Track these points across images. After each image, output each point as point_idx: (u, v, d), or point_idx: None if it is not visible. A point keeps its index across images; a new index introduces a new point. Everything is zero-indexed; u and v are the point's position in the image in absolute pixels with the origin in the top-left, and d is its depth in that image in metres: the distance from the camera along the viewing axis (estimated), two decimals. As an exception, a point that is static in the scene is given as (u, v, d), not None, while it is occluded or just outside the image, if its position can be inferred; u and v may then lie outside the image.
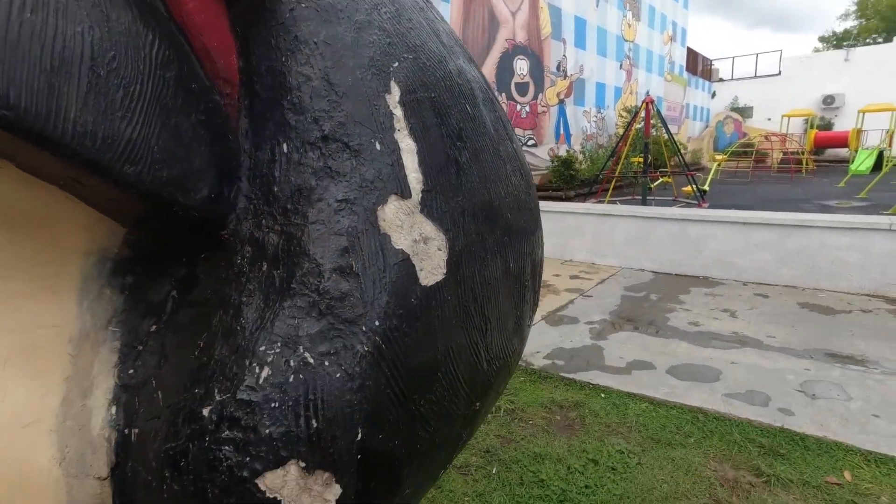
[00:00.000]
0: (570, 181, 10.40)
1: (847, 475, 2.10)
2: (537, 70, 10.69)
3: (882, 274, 4.28)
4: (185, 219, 0.43)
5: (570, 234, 5.88)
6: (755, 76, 26.61)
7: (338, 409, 0.39)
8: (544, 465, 2.20)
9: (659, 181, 12.32)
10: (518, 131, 10.29)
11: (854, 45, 29.44)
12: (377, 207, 0.44)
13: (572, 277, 5.19)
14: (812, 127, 23.18)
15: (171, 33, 0.42)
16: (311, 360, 0.39)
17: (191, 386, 0.40)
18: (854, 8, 37.61)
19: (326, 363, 0.39)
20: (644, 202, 7.31)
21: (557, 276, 5.26)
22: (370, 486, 0.42)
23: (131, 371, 0.44)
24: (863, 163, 16.72)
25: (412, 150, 0.48)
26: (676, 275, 5.21)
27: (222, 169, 0.44)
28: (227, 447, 0.37)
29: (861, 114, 20.18)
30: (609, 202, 7.39)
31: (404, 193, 0.46)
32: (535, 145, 10.89)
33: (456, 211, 0.50)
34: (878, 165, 15.65)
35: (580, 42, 12.39)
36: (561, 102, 11.79)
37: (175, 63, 0.42)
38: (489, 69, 9.21)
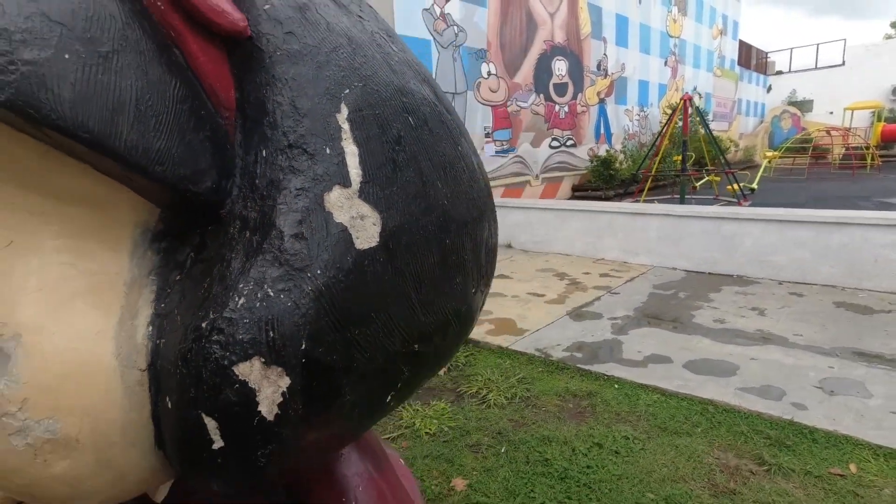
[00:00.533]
0: (609, 181, 10.34)
1: (853, 467, 2.13)
2: (576, 70, 10.67)
3: (928, 273, 4.11)
4: (196, 202, 0.63)
5: (603, 232, 5.91)
6: (816, 67, 25.18)
7: (287, 326, 0.58)
8: (551, 446, 2.34)
9: (704, 180, 12.01)
10: (556, 132, 10.28)
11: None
12: (324, 193, 0.63)
13: (602, 276, 5.23)
14: (879, 119, 21.73)
15: (188, 79, 0.63)
16: (272, 294, 0.58)
17: (197, 311, 0.60)
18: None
19: (282, 296, 0.59)
20: (683, 201, 7.19)
21: (587, 273, 5.32)
22: (312, 384, 0.61)
23: (163, 305, 0.65)
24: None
25: (355, 153, 0.67)
26: (710, 273, 5.16)
27: (222, 168, 0.65)
28: (215, 346, 0.57)
29: (935, 105, 18.77)
30: (645, 201, 7.30)
31: (346, 184, 0.65)
32: (574, 145, 10.86)
33: (391, 197, 0.68)
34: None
35: (622, 40, 12.24)
36: (601, 102, 11.70)
37: (190, 99, 0.63)
38: (526, 71, 9.29)
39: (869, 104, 20.90)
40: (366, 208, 0.67)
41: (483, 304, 0.99)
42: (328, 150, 0.66)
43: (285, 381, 0.59)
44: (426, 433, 2.51)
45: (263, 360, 0.57)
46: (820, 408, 2.54)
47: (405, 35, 6.92)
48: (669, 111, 14.14)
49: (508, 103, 8.90)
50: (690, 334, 3.56)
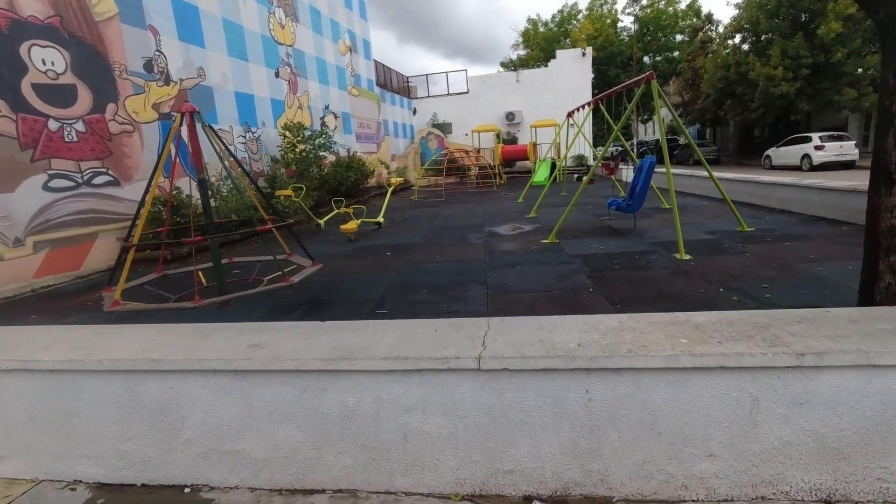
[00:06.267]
0: (188, 231, 7.10)
1: None
2: (95, 67, 7.07)
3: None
4: None
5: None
6: (448, 94, 27.84)
7: None
8: None
9: (332, 214, 10.08)
10: (61, 164, 6.46)
11: (525, 68, 33.73)
12: None
13: None
14: (500, 141, 25.04)
15: None
16: None
17: None
18: (521, 40, 44.29)
19: None
20: (221, 287, 4.38)
21: None
22: None
23: None
24: (539, 174, 17.95)
25: None
26: (143, 486, 2.40)
27: None
28: None
29: (533, 128, 22.27)
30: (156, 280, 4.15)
31: None
32: (114, 183, 7.24)
33: None
34: (551, 174, 16.81)
35: (192, 36, 9.19)
36: (166, 117, 8.39)
37: None
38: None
39: (489, 127, 23.70)
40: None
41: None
42: None
43: None
44: None
45: None
46: None
47: None
48: (289, 134, 11.88)
49: None
50: None
